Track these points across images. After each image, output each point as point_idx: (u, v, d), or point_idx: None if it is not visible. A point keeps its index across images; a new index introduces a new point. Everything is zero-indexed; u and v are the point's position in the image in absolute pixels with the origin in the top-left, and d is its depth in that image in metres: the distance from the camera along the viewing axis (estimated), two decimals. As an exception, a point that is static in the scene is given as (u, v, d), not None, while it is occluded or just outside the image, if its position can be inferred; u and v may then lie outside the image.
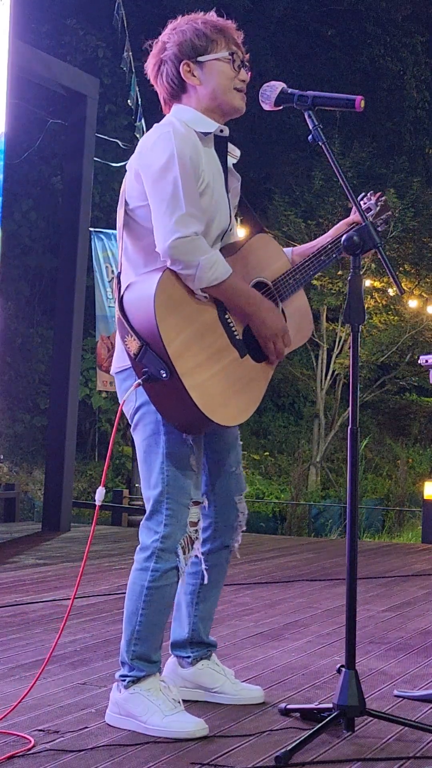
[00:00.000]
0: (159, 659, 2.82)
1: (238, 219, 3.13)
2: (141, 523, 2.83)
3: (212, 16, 2.87)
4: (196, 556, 3.01)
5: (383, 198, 3.18)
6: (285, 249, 3.08)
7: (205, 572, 3.00)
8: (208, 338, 2.72)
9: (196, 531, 2.82)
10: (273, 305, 2.85)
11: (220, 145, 2.88)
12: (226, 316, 2.77)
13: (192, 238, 2.65)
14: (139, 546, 2.82)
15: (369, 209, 3.15)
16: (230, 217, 2.89)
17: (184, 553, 2.77)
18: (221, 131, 2.85)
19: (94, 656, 3.65)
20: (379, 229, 3.14)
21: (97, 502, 2.69)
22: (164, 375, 2.62)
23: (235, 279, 2.75)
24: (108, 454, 2.83)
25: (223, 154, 2.88)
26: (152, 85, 2.94)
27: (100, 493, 2.67)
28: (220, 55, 2.82)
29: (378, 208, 3.16)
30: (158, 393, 2.69)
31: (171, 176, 2.67)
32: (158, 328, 2.60)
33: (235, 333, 2.79)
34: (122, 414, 2.83)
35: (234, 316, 2.80)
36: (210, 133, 2.82)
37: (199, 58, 2.81)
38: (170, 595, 2.80)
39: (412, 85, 19.66)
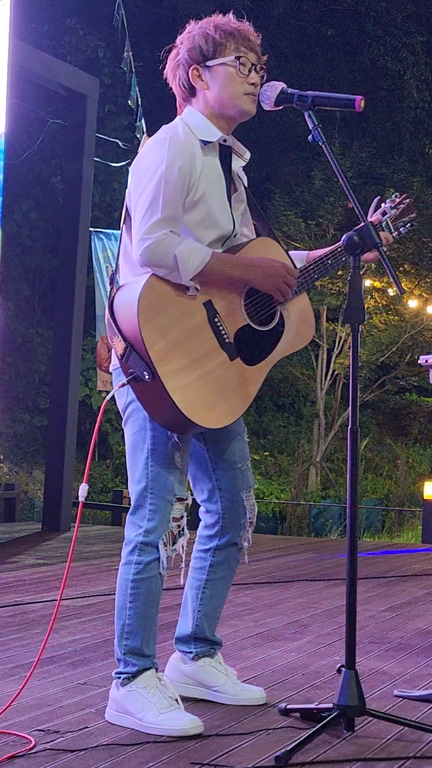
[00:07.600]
0: (152, 653, 2.83)
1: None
2: (126, 517, 2.87)
3: (228, 18, 2.87)
4: (203, 551, 3.03)
5: (408, 200, 3.14)
6: (298, 252, 3.06)
7: (209, 568, 3.02)
8: (195, 341, 2.73)
9: (179, 527, 2.84)
10: (260, 257, 2.84)
11: (224, 153, 2.88)
12: (216, 320, 2.78)
13: (159, 241, 2.66)
14: (124, 541, 2.86)
15: (385, 212, 3.12)
16: (233, 223, 2.89)
17: (165, 547, 2.80)
18: (224, 141, 2.86)
19: (94, 656, 3.65)
20: (402, 230, 3.14)
21: (81, 498, 2.73)
22: (147, 377, 2.65)
23: (218, 256, 2.75)
24: (90, 450, 2.86)
25: (226, 162, 2.89)
26: (170, 87, 2.95)
27: (83, 490, 2.72)
28: (227, 59, 2.82)
29: (397, 212, 3.13)
30: (144, 393, 2.73)
31: (152, 186, 2.69)
32: (140, 331, 2.63)
33: (225, 336, 2.79)
34: (108, 412, 2.85)
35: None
36: (211, 142, 2.83)
37: (207, 63, 2.83)
38: (156, 586, 2.82)
39: (412, 85, 19.62)
